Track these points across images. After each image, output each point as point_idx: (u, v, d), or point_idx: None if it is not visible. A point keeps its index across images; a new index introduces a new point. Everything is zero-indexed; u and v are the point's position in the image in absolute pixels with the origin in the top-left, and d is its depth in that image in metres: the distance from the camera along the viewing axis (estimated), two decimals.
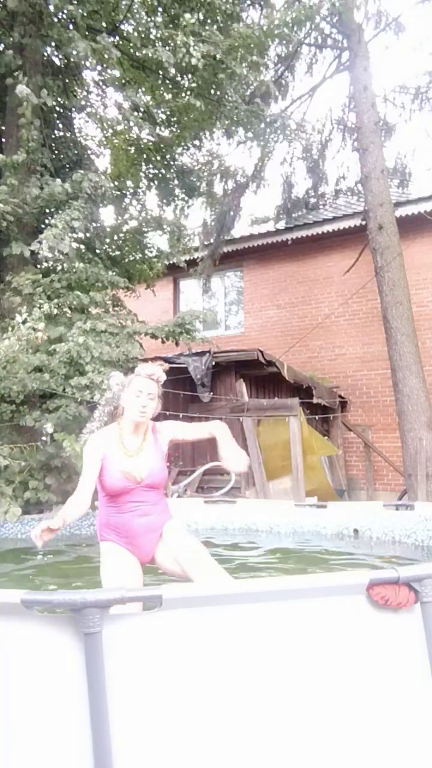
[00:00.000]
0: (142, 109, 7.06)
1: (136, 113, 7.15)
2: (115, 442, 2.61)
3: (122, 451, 2.58)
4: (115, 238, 8.00)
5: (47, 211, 6.25)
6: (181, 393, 8.09)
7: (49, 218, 5.62)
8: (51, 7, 5.90)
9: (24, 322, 4.97)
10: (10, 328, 5.04)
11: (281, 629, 1.65)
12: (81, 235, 7.13)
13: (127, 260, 8.08)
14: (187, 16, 5.92)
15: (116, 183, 8.18)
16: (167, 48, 6.26)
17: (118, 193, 8.24)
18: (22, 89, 5.25)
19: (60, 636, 1.54)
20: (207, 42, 5.94)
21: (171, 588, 1.61)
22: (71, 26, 6.37)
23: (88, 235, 7.24)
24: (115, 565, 2.53)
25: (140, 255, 8.27)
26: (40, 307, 5.16)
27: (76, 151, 7.62)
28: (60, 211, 5.52)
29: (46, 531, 2.24)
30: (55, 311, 5.52)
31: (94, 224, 7.35)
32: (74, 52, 5.62)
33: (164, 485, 2.71)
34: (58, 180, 5.68)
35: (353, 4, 8.08)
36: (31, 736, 1.51)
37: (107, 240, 7.87)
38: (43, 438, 5.43)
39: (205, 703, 1.57)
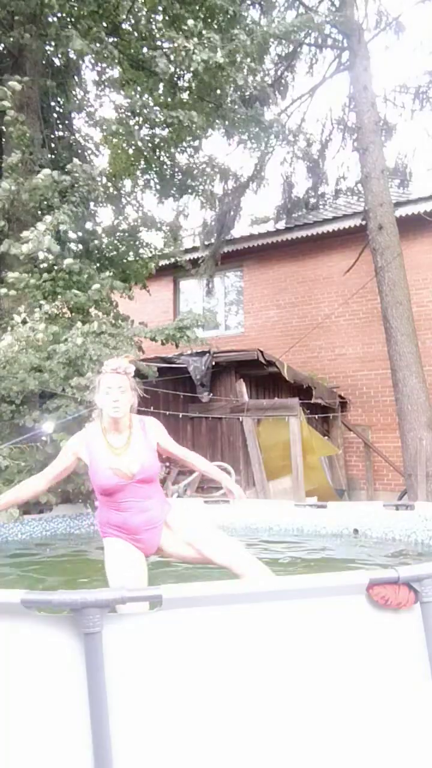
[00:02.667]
0: (139, 112, 7.05)
1: (133, 115, 7.14)
2: (100, 441, 2.62)
3: (109, 450, 2.59)
4: (111, 238, 7.98)
5: (44, 211, 6.24)
6: (181, 393, 8.10)
7: (44, 218, 5.59)
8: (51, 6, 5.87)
9: (24, 322, 4.95)
10: (9, 328, 5.03)
11: (281, 629, 1.65)
12: (74, 235, 7.11)
13: (123, 260, 8.06)
14: (191, 22, 5.91)
15: (113, 182, 8.16)
16: (167, 49, 6.25)
17: (116, 192, 8.22)
18: None
19: (60, 636, 1.54)
20: (207, 46, 5.93)
21: (171, 588, 1.61)
22: (70, 26, 6.36)
23: (80, 234, 7.21)
24: (120, 563, 2.54)
25: (136, 255, 8.26)
26: (40, 308, 5.14)
27: (75, 151, 7.61)
28: (50, 214, 5.49)
29: None
30: (55, 312, 5.49)
31: (88, 224, 7.33)
32: (72, 54, 5.61)
33: (157, 478, 2.71)
34: (47, 170, 5.61)
35: (353, 4, 8.10)
36: (32, 736, 1.51)
37: (104, 240, 7.85)
38: (43, 438, 5.41)
39: (205, 702, 1.57)
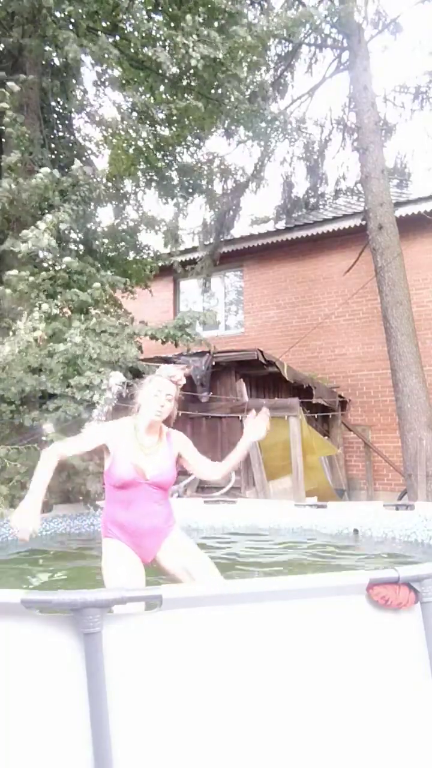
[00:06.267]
0: (141, 110, 7.04)
1: (135, 114, 7.12)
2: (130, 437, 2.64)
3: (138, 447, 2.62)
4: (111, 238, 7.98)
5: (45, 210, 6.24)
6: (181, 392, 8.08)
7: (44, 217, 5.58)
8: (49, 6, 5.85)
9: (25, 323, 4.94)
10: (11, 333, 5.02)
11: (281, 629, 1.65)
12: (75, 235, 7.10)
13: (123, 260, 8.06)
14: (188, 18, 5.90)
15: (113, 183, 8.15)
16: (167, 48, 6.25)
17: (116, 192, 8.22)
18: None
19: (60, 636, 1.54)
20: (207, 43, 5.93)
21: (171, 588, 1.61)
22: (71, 27, 6.35)
23: (81, 236, 7.21)
24: (118, 563, 2.54)
25: (136, 255, 8.25)
26: (39, 307, 5.13)
27: (75, 151, 7.62)
28: (50, 213, 5.49)
29: (26, 514, 2.24)
30: (56, 311, 5.49)
31: (88, 224, 7.32)
32: (70, 55, 5.60)
33: (170, 488, 2.73)
34: (47, 169, 5.59)
35: (353, 5, 8.11)
36: (32, 736, 1.51)
37: (104, 240, 7.85)
38: (43, 438, 5.41)
39: (205, 703, 1.57)
